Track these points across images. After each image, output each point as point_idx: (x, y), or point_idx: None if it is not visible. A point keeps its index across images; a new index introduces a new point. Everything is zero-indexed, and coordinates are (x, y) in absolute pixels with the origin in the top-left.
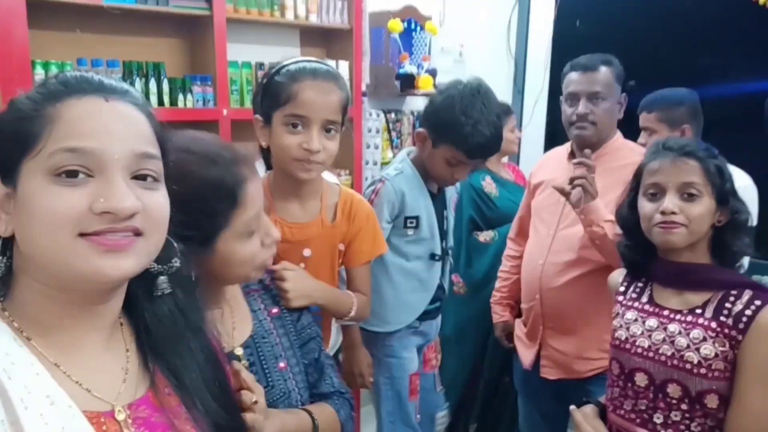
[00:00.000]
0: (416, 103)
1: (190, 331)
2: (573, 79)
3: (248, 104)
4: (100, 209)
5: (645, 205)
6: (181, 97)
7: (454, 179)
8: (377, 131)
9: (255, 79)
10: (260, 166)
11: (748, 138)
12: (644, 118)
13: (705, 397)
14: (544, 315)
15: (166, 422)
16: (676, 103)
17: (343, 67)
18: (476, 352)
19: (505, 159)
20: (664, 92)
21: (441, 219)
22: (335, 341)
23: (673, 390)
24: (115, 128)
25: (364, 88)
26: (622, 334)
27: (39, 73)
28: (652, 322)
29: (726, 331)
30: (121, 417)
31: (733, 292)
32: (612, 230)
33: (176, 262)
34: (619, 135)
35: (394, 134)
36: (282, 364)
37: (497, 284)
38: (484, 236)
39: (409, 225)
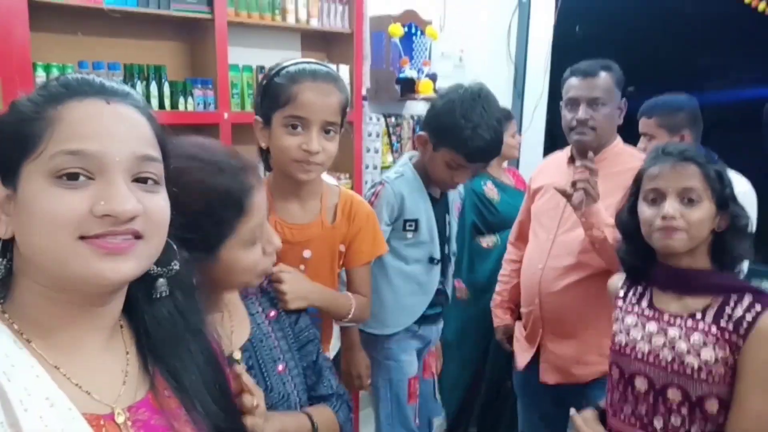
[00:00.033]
0: (416, 108)
1: (190, 334)
2: (573, 85)
3: (249, 108)
4: (100, 212)
5: (645, 210)
6: (181, 100)
7: (454, 183)
8: (377, 135)
9: (256, 83)
10: (259, 168)
11: (748, 143)
12: (644, 124)
13: (705, 401)
14: (543, 319)
15: (165, 425)
16: (676, 109)
17: (343, 71)
18: (478, 356)
19: (505, 164)
20: (663, 98)
21: (443, 224)
22: (336, 343)
23: (673, 395)
24: (116, 131)
25: (364, 92)
26: (622, 338)
27: (40, 75)
28: (652, 326)
29: (726, 336)
30: (120, 419)
31: (734, 296)
32: (612, 235)
33: (176, 265)
34: (618, 140)
35: (394, 138)
36: (280, 367)
37: (497, 288)
38: (487, 241)
39: (408, 228)
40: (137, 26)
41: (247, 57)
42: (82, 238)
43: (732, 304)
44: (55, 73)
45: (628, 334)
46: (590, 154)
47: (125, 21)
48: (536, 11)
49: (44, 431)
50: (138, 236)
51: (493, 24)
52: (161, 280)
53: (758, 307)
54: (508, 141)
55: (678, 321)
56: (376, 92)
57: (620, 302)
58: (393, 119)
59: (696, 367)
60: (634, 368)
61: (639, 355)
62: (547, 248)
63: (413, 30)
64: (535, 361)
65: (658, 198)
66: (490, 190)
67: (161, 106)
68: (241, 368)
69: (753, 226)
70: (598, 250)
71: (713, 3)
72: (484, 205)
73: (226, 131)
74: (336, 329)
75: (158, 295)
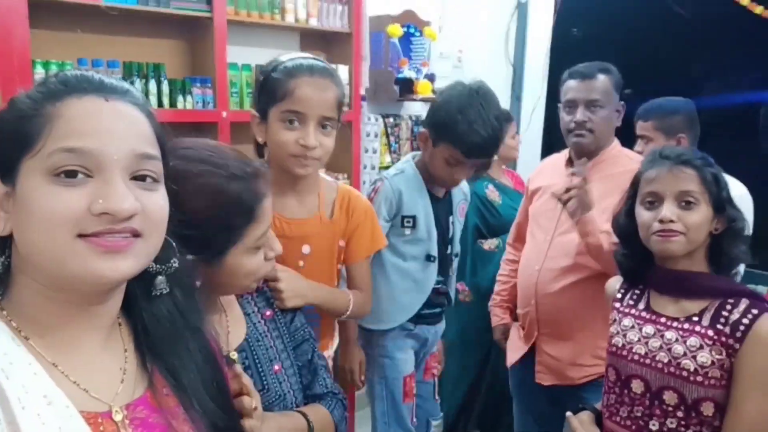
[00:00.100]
0: (415, 108)
1: (189, 332)
2: (571, 87)
3: (248, 106)
4: (98, 210)
5: (643, 214)
6: (180, 98)
7: (453, 180)
8: (376, 135)
9: (255, 82)
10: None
11: (744, 147)
12: (640, 127)
13: (701, 404)
14: (539, 320)
15: (163, 423)
16: (672, 112)
17: (342, 71)
18: (480, 358)
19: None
20: (660, 101)
21: (446, 223)
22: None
23: (669, 397)
24: (114, 128)
25: (363, 92)
26: (618, 340)
27: (39, 73)
28: (648, 329)
29: (723, 339)
30: (118, 417)
31: (730, 300)
32: (608, 241)
33: (175, 263)
34: (616, 142)
35: (392, 139)
36: (277, 367)
37: (496, 288)
38: (489, 244)
39: (406, 224)
40: (136, 24)
41: (246, 56)
42: (80, 236)
43: (729, 307)
44: (54, 70)
45: (624, 336)
46: (584, 159)
47: (124, 19)
48: (535, 13)
49: (42, 429)
50: (136, 234)
51: (492, 25)
52: (161, 278)
53: (755, 311)
54: (509, 142)
55: (675, 324)
56: (375, 92)
57: (617, 304)
58: (391, 119)
59: (692, 369)
60: (631, 370)
61: (635, 357)
62: (545, 249)
63: (412, 30)
64: (530, 361)
65: (655, 201)
66: (492, 193)
67: (160, 104)
68: (239, 368)
69: (749, 229)
70: (594, 257)
71: (711, 6)
72: (486, 208)
73: (224, 130)
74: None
75: (158, 293)
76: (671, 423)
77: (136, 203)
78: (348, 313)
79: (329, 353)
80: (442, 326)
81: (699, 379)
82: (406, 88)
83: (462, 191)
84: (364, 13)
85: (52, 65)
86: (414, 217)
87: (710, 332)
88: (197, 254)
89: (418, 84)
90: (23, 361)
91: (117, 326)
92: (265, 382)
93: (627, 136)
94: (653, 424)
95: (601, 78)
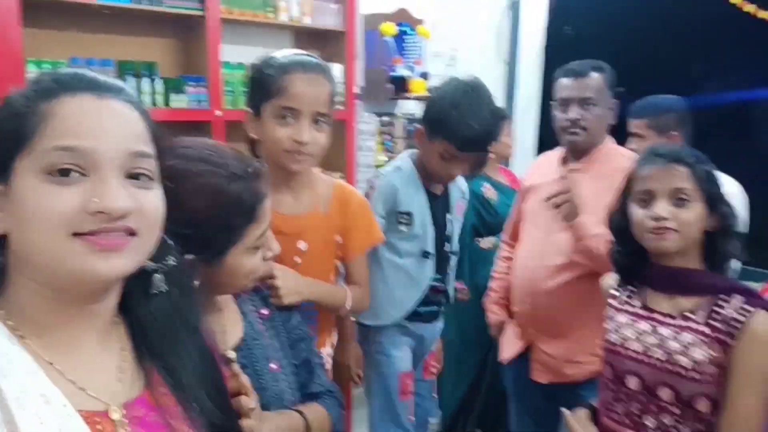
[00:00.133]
0: (409, 107)
1: (186, 330)
2: (564, 85)
3: (242, 105)
4: (93, 209)
5: (637, 212)
6: (174, 97)
7: (449, 175)
8: (370, 134)
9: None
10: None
11: (737, 145)
12: (633, 125)
13: (696, 401)
14: (535, 318)
15: (161, 422)
16: (665, 110)
17: (336, 70)
18: (479, 357)
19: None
20: (652, 99)
21: (443, 221)
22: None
23: (664, 393)
24: (109, 126)
25: (357, 90)
26: (614, 337)
27: (32, 72)
28: (644, 326)
29: (717, 335)
30: (116, 416)
31: (724, 297)
32: (601, 243)
33: (171, 260)
34: (610, 140)
35: (386, 137)
36: (274, 366)
37: (492, 284)
38: (486, 243)
39: (401, 221)
40: (129, 23)
41: (239, 54)
42: (75, 234)
43: (723, 304)
44: (47, 69)
45: (620, 332)
46: (572, 165)
47: (117, 17)
48: (528, 11)
49: (40, 429)
50: (131, 233)
51: (485, 24)
52: (158, 276)
53: (749, 308)
54: (504, 140)
55: (669, 320)
56: (369, 91)
57: (613, 301)
58: (386, 118)
59: (687, 366)
60: (626, 367)
61: (631, 354)
62: (539, 247)
63: (406, 29)
64: (525, 359)
65: (649, 199)
66: (488, 191)
67: (153, 103)
68: (237, 368)
69: (743, 226)
70: (588, 259)
71: (703, 4)
72: (483, 207)
73: (218, 129)
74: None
75: (156, 291)
76: (667, 419)
77: (130, 202)
78: (346, 307)
79: (327, 350)
80: (439, 325)
81: (694, 375)
82: (400, 86)
83: (460, 189)
84: (357, 11)
85: (44, 64)
86: (410, 214)
87: (705, 329)
88: (197, 254)
89: (412, 82)
90: (21, 361)
91: (114, 325)
92: (262, 381)
93: (621, 134)
94: (649, 421)
95: (595, 76)
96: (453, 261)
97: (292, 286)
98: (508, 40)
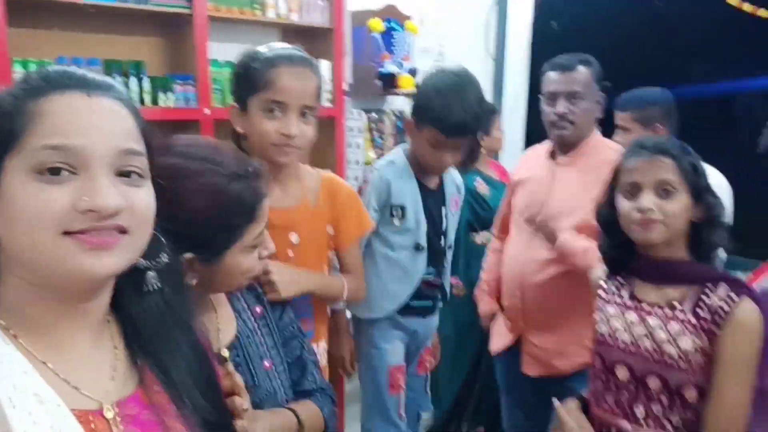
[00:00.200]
0: (398, 103)
1: (179, 328)
2: (552, 79)
3: (230, 103)
4: (83, 207)
5: (623, 204)
6: (162, 96)
7: (440, 163)
8: (359, 131)
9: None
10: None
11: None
12: (618, 117)
13: (684, 389)
14: (525, 311)
15: (155, 419)
16: (650, 103)
17: (324, 67)
18: (475, 351)
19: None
20: (637, 92)
21: (439, 215)
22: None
23: (653, 383)
24: (98, 124)
25: (345, 87)
26: (603, 328)
27: (18, 72)
28: (632, 316)
29: (703, 324)
30: (109, 415)
31: (710, 286)
32: (588, 258)
33: (164, 258)
34: (597, 133)
35: (375, 134)
36: (267, 364)
37: (483, 276)
38: (481, 238)
39: (394, 214)
40: (116, 21)
41: (227, 52)
42: (65, 233)
43: (709, 293)
44: (33, 69)
45: (609, 324)
46: (559, 159)
47: (103, 16)
48: (514, 7)
49: (33, 428)
50: (122, 231)
51: (472, 19)
52: (151, 274)
53: (734, 297)
54: (495, 134)
55: (657, 311)
56: (357, 87)
57: (601, 293)
58: (374, 114)
59: (675, 355)
60: (616, 357)
61: (620, 345)
62: (529, 241)
63: (393, 25)
64: (516, 352)
65: (635, 191)
66: (481, 186)
67: (141, 102)
68: (231, 367)
69: (728, 217)
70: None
71: None
72: (477, 202)
73: (207, 127)
74: None
75: (149, 289)
76: (656, 408)
77: (121, 200)
78: (343, 297)
79: (323, 344)
80: (434, 320)
81: (682, 364)
82: (389, 82)
83: (455, 183)
84: (345, 7)
85: (30, 64)
86: (403, 207)
87: (691, 318)
88: (196, 253)
89: (401, 78)
90: (13, 360)
91: (106, 324)
92: (255, 379)
93: (608, 127)
94: (639, 410)
95: (582, 70)
96: (449, 255)
97: (288, 279)
98: (496, 35)
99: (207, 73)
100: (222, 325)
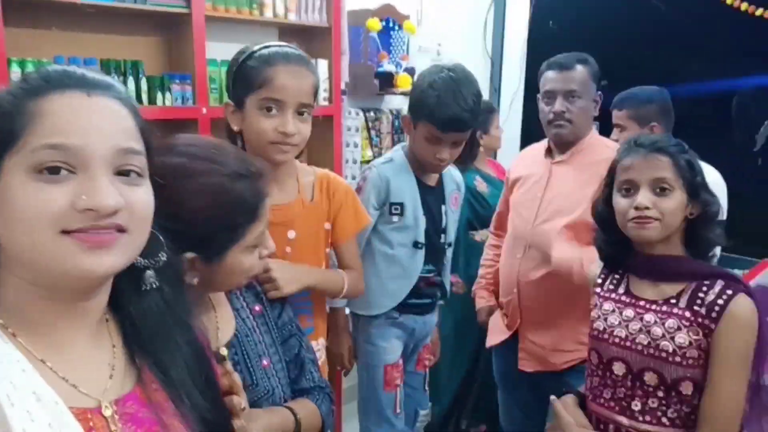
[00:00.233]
0: (395, 102)
1: (177, 326)
2: (549, 78)
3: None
4: (82, 206)
5: (619, 201)
6: (159, 95)
7: (437, 160)
8: (356, 130)
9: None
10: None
11: (718, 135)
12: (615, 116)
13: (680, 384)
14: (521, 308)
15: (153, 417)
16: (646, 101)
17: (322, 66)
18: (474, 349)
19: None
20: (634, 90)
21: (438, 213)
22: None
23: (649, 378)
24: (97, 124)
25: (343, 86)
26: (600, 324)
27: (15, 72)
28: (628, 312)
29: (699, 320)
30: (107, 413)
31: (706, 282)
32: (587, 266)
33: (162, 256)
34: (594, 131)
35: (373, 133)
36: (265, 362)
37: (480, 272)
38: (480, 236)
39: (394, 211)
40: (113, 21)
41: (225, 51)
42: (64, 232)
43: (705, 289)
44: (30, 69)
45: (605, 320)
46: (556, 157)
47: (101, 16)
48: (512, 6)
49: (31, 426)
50: (121, 230)
51: (470, 19)
52: (149, 272)
53: (729, 292)
54: (493, 133)
55: (653, 306)
56: (355, 87)
57: (598, 289)
58: (372, 113)
59: (671, 350)
60: (612, 353)
61: (617, 340)
62: (525, 238)
63: (391, 24)
64: (513, 348)
65: (631, 189)
66: (480, 184)
67: (139, 101)
68: (229, 366)
69: (724, 214)
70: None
71: None
72: (476, 200)
73: (204, 126)
74: None
75: (147, 287)
76: (652, 402)
77: (119, 199)
78: (343, 292)
79: (322, 341)
80: (433, 318)
81: (677, 359)
82: (386, 82)
83: (455, 181)
84: (342, 7)
85: (28, 64)
86: (401, 204)
87: (687, 314)
88: (198, 252)
89: (398, 78)
90: (11, 358)
91: (105, 322)
92: (253, 378)
93: (606, 126)
94: (635, 405)
95: (579, 68)
96: (449, 253)
97: (289, 276)
98: (493, 34)
99: (205, 73)
100: (221, 323)
